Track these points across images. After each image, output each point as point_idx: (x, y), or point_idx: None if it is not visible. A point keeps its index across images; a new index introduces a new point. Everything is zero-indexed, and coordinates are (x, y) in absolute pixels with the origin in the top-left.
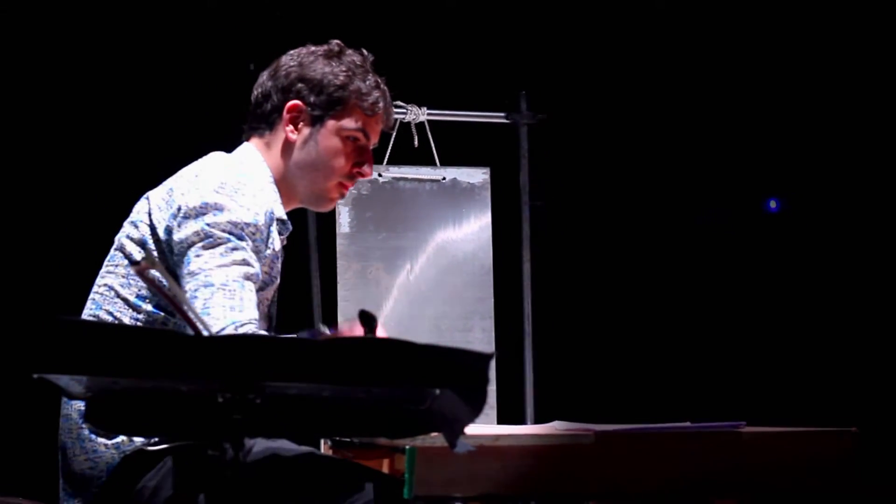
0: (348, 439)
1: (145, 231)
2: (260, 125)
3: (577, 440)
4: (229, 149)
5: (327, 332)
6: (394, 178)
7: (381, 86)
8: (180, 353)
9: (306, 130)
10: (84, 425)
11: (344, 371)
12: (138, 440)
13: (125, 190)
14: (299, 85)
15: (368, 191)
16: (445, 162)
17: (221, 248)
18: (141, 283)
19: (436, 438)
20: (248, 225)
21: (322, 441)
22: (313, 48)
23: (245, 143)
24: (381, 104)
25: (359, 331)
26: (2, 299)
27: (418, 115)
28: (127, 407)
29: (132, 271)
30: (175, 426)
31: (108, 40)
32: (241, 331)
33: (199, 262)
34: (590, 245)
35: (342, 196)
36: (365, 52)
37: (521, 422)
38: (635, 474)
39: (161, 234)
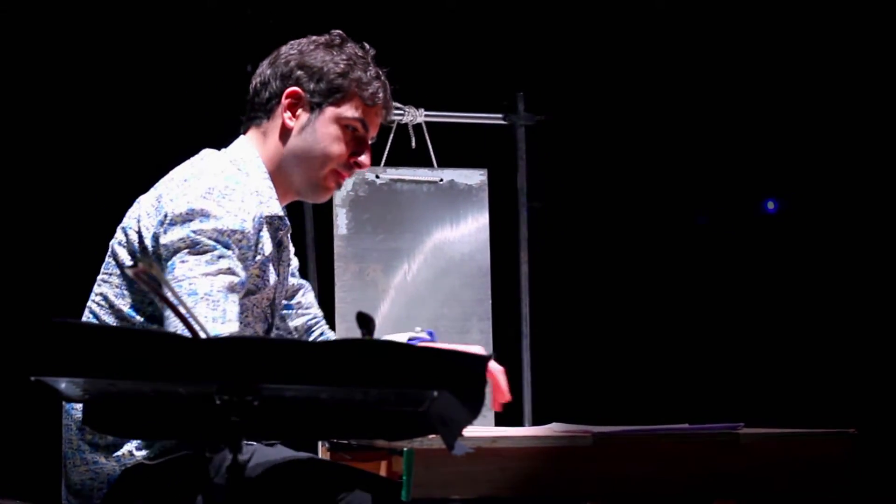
0: (346, 441)
1: (134, 238)
2: (258, 114)
3: (576, 442)
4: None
5: (426, 336)
6: (391, 180)
7: (382, 77)
8: (178, 356)
9: (304, 117)
10: (83, 439)
11: (342, 373)
12: (139, 454)
13: (124, 191)
14: (299, 72)
15: (366, 192)
16: (443, 163)
17: (207, 256)
18: (134, 295)
19: (434, 440)
20: (234, 232)
21: (320, 443)
22: (314, 38)
23: (240, 137)
24: (381, 95)
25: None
26: (0, 303)
27: (416, 116)
28: (125, 409)
29: (129, 274)
30: (173, 428)
31: (106, 43)
32: None
33: (183, 269)
34: (588, 246)
35: (338, 186)
36: (367, 45)
37: (520, 423)
38: (633, 476)
39: (148, 241)
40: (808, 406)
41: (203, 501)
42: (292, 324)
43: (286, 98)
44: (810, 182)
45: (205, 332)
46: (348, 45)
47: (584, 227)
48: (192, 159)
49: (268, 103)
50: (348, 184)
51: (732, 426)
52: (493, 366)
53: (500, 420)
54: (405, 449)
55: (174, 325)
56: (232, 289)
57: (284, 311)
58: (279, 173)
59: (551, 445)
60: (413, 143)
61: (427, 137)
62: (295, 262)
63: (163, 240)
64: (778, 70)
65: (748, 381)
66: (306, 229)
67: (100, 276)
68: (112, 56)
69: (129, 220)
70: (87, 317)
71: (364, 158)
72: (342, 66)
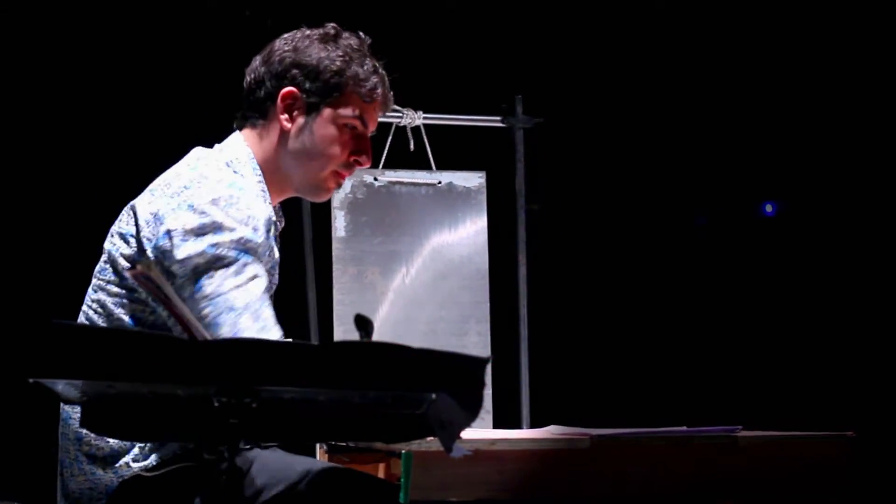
0: (344, 444)
1: (134, 246)
2: (253, 114)
3: (574, 444)
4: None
5: None
6: (389, 182)
7: (380, 70)
8: (176, 358)
9: (301, 119)
10: (80, 450)
11: (340, 375)
12: (136, 466)
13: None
14: (294, 71)
15: (364, 195)
16: (441, 166)
17: (233, 268)
18: (134, 304)
19: (432, 443)
20: (249, 241)
21: (318, 445)
22: (308, 31)
23: (235, 134)
24: (379, 90)
25: None
26: None
27: (414, 118)
28: (123, 411)
29: (128, 276)
30: (171, 430)
31: (104, 43)
32: None
33: (213, 286)
34: (586, 249)
35: (339, 185)
36: (362, 34)
37: (517, 426)
38: (631, 479)
39: (149, 250)
40: (807, 409)
41: (201, 499)
42: None
43: (282, 100)
44: (808, 185)
45: (203, 333)
46: (343, 37)
47: (582, 229)
48: (185, 160)
49: (263, 104)
50: (346, 186)
51: (731, 429)
52: None
53: (499, 422)
54: (403, 451)
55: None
56: (264, 293)
57: None
58: (276, 173)
59: (549, 448)
60: (411, 146)
61: (425, 140)
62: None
63: (178, 255)
64: (774, 73)
65: (746, 384)
66: (304, 231)
67: (95, 282)
68: (110, 56)
69: (127, 226)
70: (83, 321)
71: (364, 157)
72: (338, 62)
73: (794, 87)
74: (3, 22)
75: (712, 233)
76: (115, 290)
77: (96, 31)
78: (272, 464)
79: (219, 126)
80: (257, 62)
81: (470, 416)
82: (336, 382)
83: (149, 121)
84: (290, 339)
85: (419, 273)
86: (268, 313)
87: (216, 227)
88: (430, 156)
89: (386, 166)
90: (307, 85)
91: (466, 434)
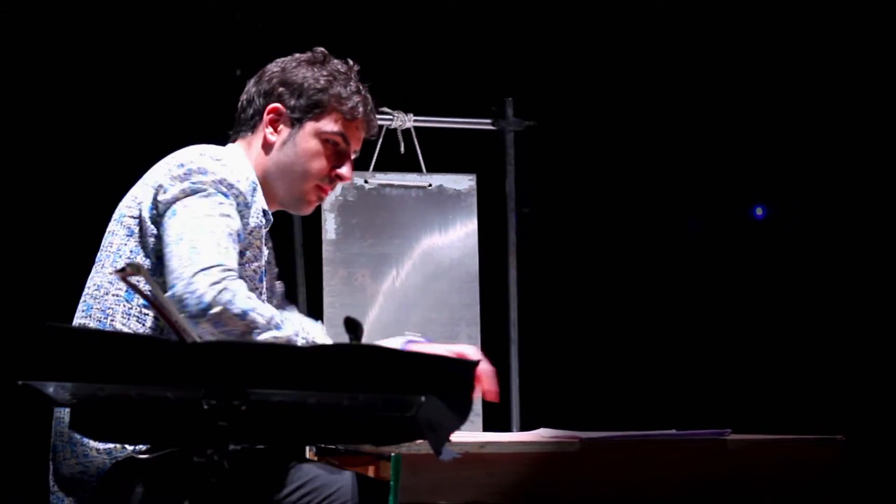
0: (333, 446)
1: (135, 214)
2: (242, 129)
3: (563, 448)
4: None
5: (421, 339)
6: (380, 185)
7: (363, 92)
8: (165, 360)
9: (285, 132)
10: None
11: (329, 378)
12: (130, 448)
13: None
14: (280, 89)
15: (355, 197)
16: (432, 168)
17: (209, 201)
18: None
19: (421, 445)
20: (231, 185)
21: (307, 448)
22: (298, 55)
23: (229, 145)
24: (360, 109)
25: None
26: None
27: (404, 121)
28: (112, 414)
29: (116, 277)
30: (160, 433)
31: (95, 47)
32: (226, 276)
33: (186, 211)
34: (576, 252)
35: (321, 200)
36: (350, 61)
37: (507, 429)
38: (621, 482)
39: (147, 216)
40: (796, 412)
41: (190, 501)
42: None
43: (268, 114)
44: (799, 188)
45: (192, 336)
46: (332, 61)
47: (572, 232)
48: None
49: (252, 119)
50: (337, 188)
51: (720, 432)
52: (484, 367)
53: (488, 425)
54: (393, 454)
55: (175, 260)
56: (232, 233)
57: None
58: (265, 184)
59: (539, 451)
60: (402, 149)
61: (416, 142)
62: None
63: (162, 198)
64: (765, 77)
65: (736, 387)
66: (294, 233)
67: (93, 270)
68: (101, 60)
69: (129, 209)
70: (82, 309)
71: (344, 171)
72: (322, 81)
73: (783, 91)
74: (14, 30)
75: (702, 236)
76: (111, 269)
77: (86, 34)
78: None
79: (212, 125)
80: (250, 84)
81: (459, 419)
82: (325, 385)
83: (145, 125)
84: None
85: (409, 275)
86: (231, 247)
87: (200, 171)
88: (421, 158)
89: (376, 169)
90: (292, 102)
91: (456, 437)
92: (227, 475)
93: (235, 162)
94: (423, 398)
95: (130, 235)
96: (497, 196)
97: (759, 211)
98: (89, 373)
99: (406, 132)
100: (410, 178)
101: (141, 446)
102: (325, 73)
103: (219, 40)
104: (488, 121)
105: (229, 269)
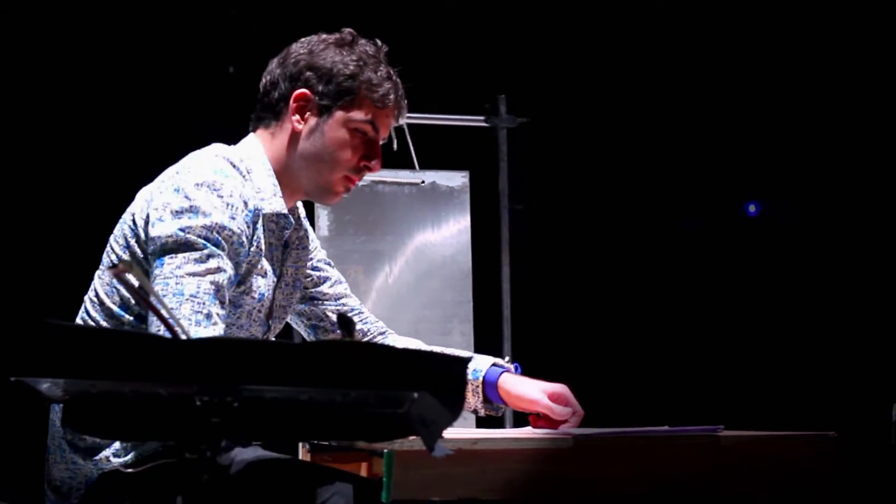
0: (326, 443)
1: (129, 233)
2: (266, 115)
3: (556, 444)
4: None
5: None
6: (373, 182)
7: (394, 77)
8: (158, 357)
9: (313, 120)
10: (64, 437)
11: (322, 374)
12: (116, 461)
13: (107, 192)
14: (308, 73)
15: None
16: (424, 165)
17: (196, 255)
18: (122, 293)
19: (414, 442)
20: (223, 228)
21: (300, 444)
22: (325, 36)
23: (249, 136)
24: (391, 96)
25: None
26: None
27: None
28: (105, 410)
29: (110, 274)
30: (153, 430)
31: (88, 44)
32: None
33: (171, 267)
34: (569, 249)
35: (348, 190)
36: (378, 42)
37: (500, 425)
38: (613, 478)
39: (140, 234)
40: (789, 408)
41: (182, 498)
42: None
43: (294, 101)
44: (792, 185)
45: (186, 333)
46: (359, 43)
47: (565, 229)
48: (200, 150)
49: (276, 105)
50: None
51: (713, 428)
52: (562, 390)
53: (481, 422)
54: (385, 450)
55: (157, 326)
56: (219, 289)
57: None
58: (287, 174)
59: (532, 447)
60: (395, 145)
61: (409, 139)
62: (321, 254)
63: (151, 231)
64: (759, 74)
65: (729, 384)
66: None
67: (97, 272)
68: (96, 58)
69: (126, 214)
70: (81, 313)
71: (374, 163)
72: (352, 66)
73: (776, 88)
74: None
75: (696, 233)
76: (107, 278)
77: (82, 33)
78: (252, 461)
79: (207, 122)
80: (273, 65)
81: (451, 416)
82: (318, 382)
83: (139, 121)
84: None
85: (402, 272)
86: (214, 310)
87: (192, 210)
88: (414, 155)
89: None
90: (320, 87)
91: (448, 433)
92: (219, 472)
93: (237, 185)
94: (415, 394)
95: (127, 247)
96: (490, 193)
97: (752, 208)
98: (82, 369)
99: (399, 129)
100: (403, 175)
101: (128, 459)
102: (354, 57)
103: (212, 38)
104: (481, 118)
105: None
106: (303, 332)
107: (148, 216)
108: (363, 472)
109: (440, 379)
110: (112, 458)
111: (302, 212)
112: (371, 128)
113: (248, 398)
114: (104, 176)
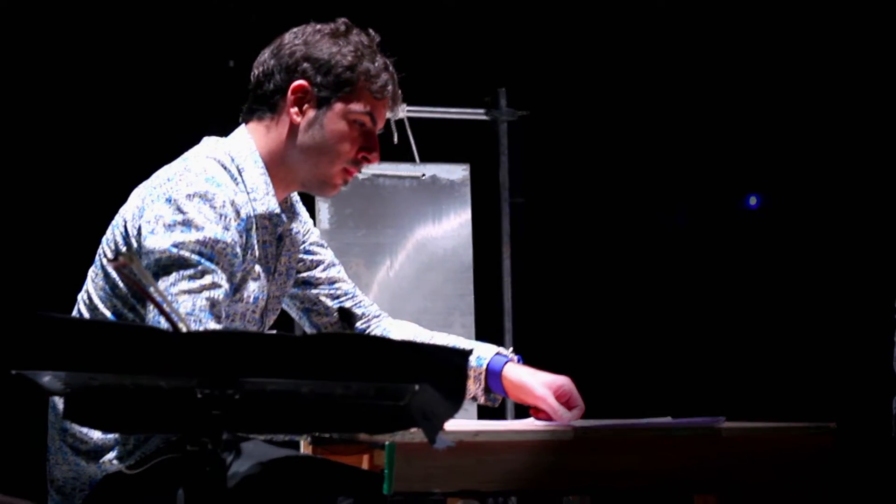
0: (328, 435)
1: (119, 237)
2: (260, 107)
3: (557, 435)
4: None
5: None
6: (373, 175)
7: (390, 67)
8: (159, 349)
9: (311, 113)
10: (65, 441)
11: (323, 367)
12: (119, 464)
13: (104, 188)
14: (305, 65)
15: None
16: (425, 158)
17: (190, 272)
18: (116, 300)
19: (415, 434)
20: (217, 242)
21: (301, 437)
22: (318, 26)
23: (241, 128)
24: (389, 87)
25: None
26: None
27: (397, 111)
28: (106, 403)
29: (110, 267)
30: (154, 422)
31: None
32: None
33: (165, 285)
34: (570, 242)
35: (346, 182)
36: (372, 31)
37: (501, 417)
38: (615, 470)
39: (133, 243)
40: (789, 400)
41: (184, 491)
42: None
43: (292, 93)
44: (792, 178)
45: (186, 325)
46: (354, 32)
47: (565, 222)
48: (192, 149)
49: (272, 96)
50: None
51: (713, 420)
52: (565, 384)
53: (482, 414)
54: (387, 443)
55: (155, 322)
56: (215, 305)
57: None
58: (282, 167)
59: (533, 439)
60: (395, 139)
61: (409, 133)
62: (314, 236)
63: (145, 245)
64: (759, 67)
65: (730, 376)
66: None
67: (89, 273)
68: (95, 53)
69: (118, 217)
70: (75, 313)
71: (373, 154)
72: (350, 57)
73: (776, 80)
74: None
75: (696, 225)
76: (101, 283)
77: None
78: (255, 455)
79: (206, 116)
80: (266, 55)
81: (453, 408)
82: (319, 374)
83: (138, 116)
84: None
85: (403, 266)
86: (210, 324)
87: (185, 224)
88: (414, 148)
89: None
90: (318, 79)
91: (450, 425)
92: (221, 464)
93: (229, 193)
94: (416, 387)
95: (118, 252)
96: (491, 186)
97: (752, 200)
98: (83, 362)
99: (399, 122)
100: (404, 168)
101: (130, 461)
102: (350, 47)
103: (211, 31)
104: (482, 111)
105: None
106: (293, 315)
107: (140, 228)
108: (364, 465)
109: (441, 371)
110: (115, 462)
111: (295, 196)
112: (370, 119)
113: (249, 391)
114: (103, 171)
